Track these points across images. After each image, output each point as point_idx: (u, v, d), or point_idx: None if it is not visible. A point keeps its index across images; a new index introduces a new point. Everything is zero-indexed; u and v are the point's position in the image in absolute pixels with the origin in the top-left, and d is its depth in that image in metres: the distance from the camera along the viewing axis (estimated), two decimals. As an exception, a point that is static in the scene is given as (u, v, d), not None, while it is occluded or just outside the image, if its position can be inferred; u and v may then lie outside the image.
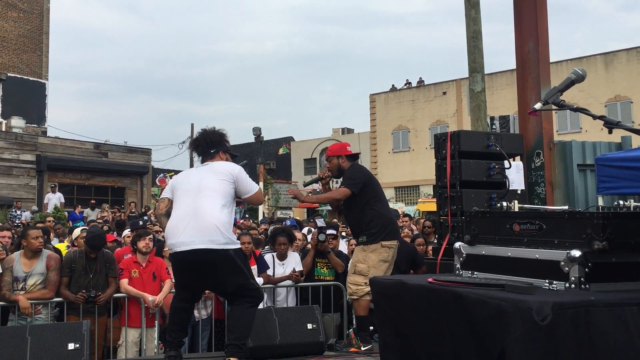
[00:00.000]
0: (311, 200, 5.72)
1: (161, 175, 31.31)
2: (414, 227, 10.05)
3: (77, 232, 7.12)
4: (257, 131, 25.43)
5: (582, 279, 2.67)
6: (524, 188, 5.96)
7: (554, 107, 2.89)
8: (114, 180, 25.06)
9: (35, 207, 19.61)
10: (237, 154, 4.93)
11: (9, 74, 27.29)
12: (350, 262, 5.45)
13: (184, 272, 4.35)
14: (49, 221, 12.45)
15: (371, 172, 5.79)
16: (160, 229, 6.66)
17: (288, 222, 10.69)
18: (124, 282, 5.77)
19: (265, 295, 6.15)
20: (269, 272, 6.25)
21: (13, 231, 8.68)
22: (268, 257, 6.39)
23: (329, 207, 5.83)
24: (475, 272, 3.25)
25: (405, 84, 35.61)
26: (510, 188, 5.55)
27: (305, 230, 8.78)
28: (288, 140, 40.98)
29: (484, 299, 2.61)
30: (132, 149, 26.34)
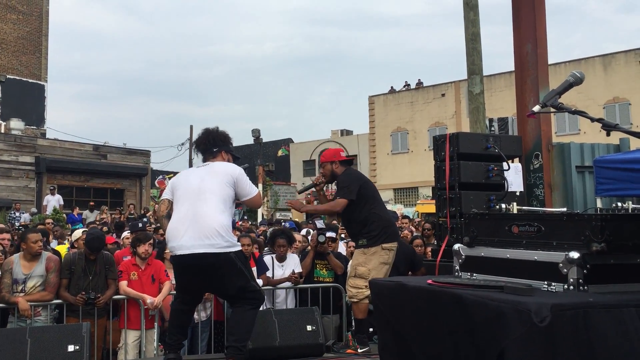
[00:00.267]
0: (309, 211, 5.78)
1: (160, 177, 31.30)
2: (413, 229, 10.05)
3: (77, 233, 7.11)
4: (256, 133, 25.47)
5: (580, 280, 2.68)
6: (522, 190, 5.96)
7: (552, 109, 2.90)
8: (113, 182, 25.07)
9: (34, 209, 19.60)
10: (239, 155, 4.91)
11: (8, 76, 27.30)
12: (350, 264, 5.46)
13: (185, 275, 4.35)
14: (48, 223, 12.46)
15: (364, 175, 5.80)
16: (162, 230, 6.64)
17: (287, 224, 10.70)
18: (123, 284, 5.77)
19: (265, 297, 6.16)
20: (268, 273, 6.25)
21: (13, 233, 8.69)
22: (267, 259, 6.40)
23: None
24: (474, 274, 3.26)
25: (404, 86, 35.64)
26: (509, 190, 5.55)
27: (304, 231, 8.78)
28: (287, 142, 40.98)
29: (483, 300, 2.62)
30: (131, 151, 26.35)
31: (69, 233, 9.76)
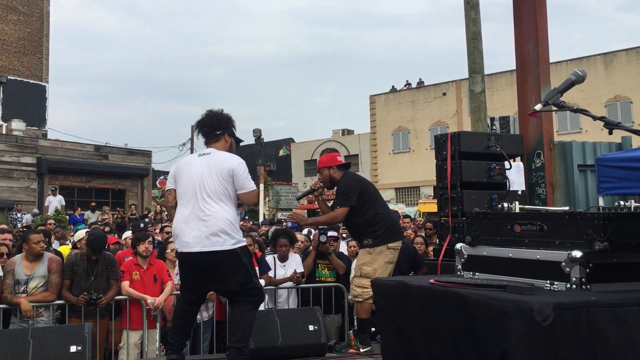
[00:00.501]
0: (311, 225, 5.80)
1: (162, 177, 31.29)
2: (417, 229, 10.06)
3: (80, 234, 7.11)
4: (257, 133, 25.44)
5: (583, 279, 2.67)
6: (524, 189, 5.95)
7: (554, 108, 2.89)
8: (115, 182, 25.08)
9: (36, 210, 19.62)
10: (243, 139, 4.81)
11: (9, 77, 27.34)
12: (354, 264, 5.45)
13: (190, 272, 4.34)
14: (50, 224, 12.47)
15: (364, 178, 5.79)
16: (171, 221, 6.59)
17: (289, 224, 10.69)
18: (125, 284, 5.77)
19: (267, 297, 6.16)
20: (270, 273, 6.25)
21: (15, 233, 8.69)
22: (269, 259, 6.40)
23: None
24: (477, 273, 3.25)
25: (405, 85, 35.64)
26: (510, 189, 5.55)
27: (305, 231, 8.78)
28: (288, 141, 40.98)
29: (486, 299, 2.61)
30: (133, 151, 26.36)
31: (72, 234, 9.76)
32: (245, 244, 4.40)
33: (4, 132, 23.29)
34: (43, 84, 29.40)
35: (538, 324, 2.33)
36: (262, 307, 5.89)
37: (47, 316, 5.52)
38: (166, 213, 16.44)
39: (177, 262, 5.21)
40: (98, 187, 24.43)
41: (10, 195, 21.50)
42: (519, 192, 5.71)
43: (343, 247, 7.37)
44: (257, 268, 6.03)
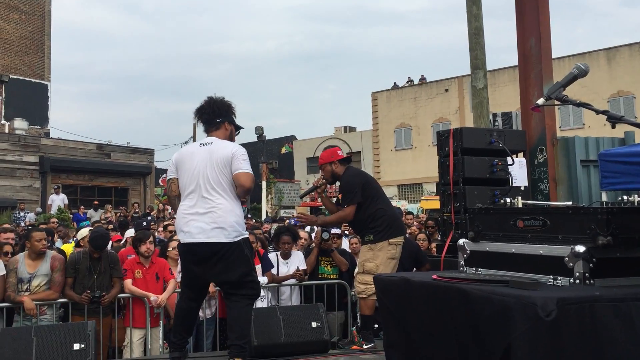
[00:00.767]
0: (322, 224, 5.84)
1: (164, 175, 31.24)
2: (421, 226, 10.05)
3: (83, 232, 7.12)
4: (259, 130, 25.46)
5: (586, 274, 2.66)
6: (527, 184, 5.94)
7: (557, 102, 2.88)
8: (117, 180, 25.10)
9: (39, 209, 19.65)
10: (243, 126, 4.75)
11: (11, 76, 27.36)
12: (358, 261, 5.45)
13: (191, 262, 4.33)
14: (53, 222, 12.49)
15: (366, 172, 5.78)
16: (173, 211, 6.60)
17: (291, 221, 10.70)
18: (128, 282, 5.78)
19: (270, 294, 6.16)
20: (273, 271, 6.25)
21: (19, 231, 8.70)
22: (272, 256, 6.40)
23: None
24: (480, 269, 3.25)
25: (407, 82, 35.58)
26: (513, 185, 5.54)
27: (308, 228, 8.78)
28: (290, 139, 40.96)
29: (489, 295, 2.60)
30: (135, 150, 26.38)
31: (75, 232, 9.77)
32: (247, 235, 4.41)
33: (6, 131, 23.34)
34: (45, 82, 29.44)
35: (541, 319, 2.32)
36: (264, 304, 5.90)
37: (50, 314, 5.53)
38: (169, 211, 16.47)
39: (179, 259, 5.21)
40: (101, 185, 24.46)
41: (13, 194, 21.54)
42: (522, 188, 5.70)
43: (345, 244, 7.37)
44: (259, 265, 6.04)
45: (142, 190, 25.97)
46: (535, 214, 3.07)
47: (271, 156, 33.95)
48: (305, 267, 6.26)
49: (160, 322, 5.79)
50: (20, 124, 24.14)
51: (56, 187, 20.44)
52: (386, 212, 5.16)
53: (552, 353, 2.34)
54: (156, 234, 8.31)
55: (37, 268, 5.46)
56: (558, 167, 6.35)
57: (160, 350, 5.71)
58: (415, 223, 10.56)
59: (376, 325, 5.27)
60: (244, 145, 4.76)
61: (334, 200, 5.70)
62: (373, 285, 4.87)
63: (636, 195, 3.50)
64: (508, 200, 3.42)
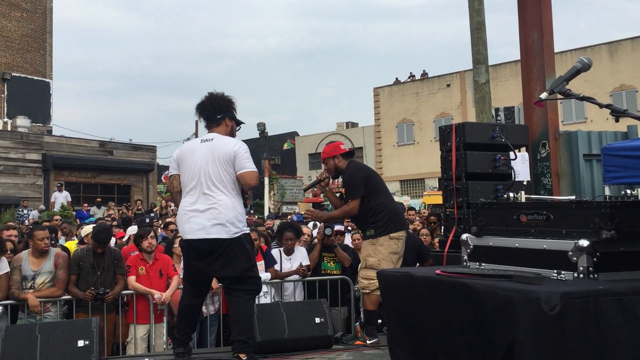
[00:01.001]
0: (327, 220, 5.88)
1: (167, 172, 31.29)
2: (424, 221, 10.03)
3: (87, 229, 7.12)
4: (261, 127, 25.42)
5: (590, 268, 2.66)
6: (529, 179, 5.93)
7: (559, 96, 2.87)
8: (120, 178, 25.11)
9: (42, 206, 19.67)
10: (244, 121, 4.75)
11: (13, 74, 27.37)
12: (360, 256, 5.45)
13: (192, 257, 4.34)
14: (56, 219, 12.49)
15: (368, 166, 5.77)
16: (175, 206, 6.60)
17: (294, 217, 10.70)
18: (132, 279, 5.79)
19: (273, 290, 6.17)
20: (276, 267, 6.26)
21: (23, 229, 8.72)
22: (275, 252, 6.40)
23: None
24: (483, 264, 3.25)
25: (409, 77, 35.52)
26: (516, 179, 5.53)
27: (310, 224, 8.78)
28: (292, 135, 40.95)
29: (492, 289, 2.60)
30: (137, 147, 26.37)
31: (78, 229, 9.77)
32: (248, 231, 4.42)
33: (9, 128, 23.33)
34: (47, 80, 29.42)
35: (545, 313, 2.32)
36: (268, 300, 5.91)
37: (55, 311, 5.54)
38: (172, 207, 16.49)
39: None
40: (103, 182, 24.46)
41: (17, 191, 21.56)
42: (525, 183, 5.69)
43: (347, 240, 7.37)
44: (262, 262, 6.05)
45: (144, 187, 25.98)
46: (538, 209, 3.06)
47: (273, 152, 33.92)
48: (308, 263, 6.27)
49: (164, 318, 5.80)
50: (22, 122, 24.12)
51: (59, 184, 20.44)
52: (387, 207, 5.15)
53: (556, 347, 2.34)
54: (159, 230, 8.32)
55: (41, 265, 5.48)
56: (561, 161, 6.34)
57: (164, 346, 5.72)
58: (417, 218, 10.55)
59: (380, 321, 5.27)
60: (246, 141, 4.75)
61: (338, 195, 5.70)
62: (376, 281, 4.87)
63: (639, 189, 3.49)
64: (511, 195, 3.41)
